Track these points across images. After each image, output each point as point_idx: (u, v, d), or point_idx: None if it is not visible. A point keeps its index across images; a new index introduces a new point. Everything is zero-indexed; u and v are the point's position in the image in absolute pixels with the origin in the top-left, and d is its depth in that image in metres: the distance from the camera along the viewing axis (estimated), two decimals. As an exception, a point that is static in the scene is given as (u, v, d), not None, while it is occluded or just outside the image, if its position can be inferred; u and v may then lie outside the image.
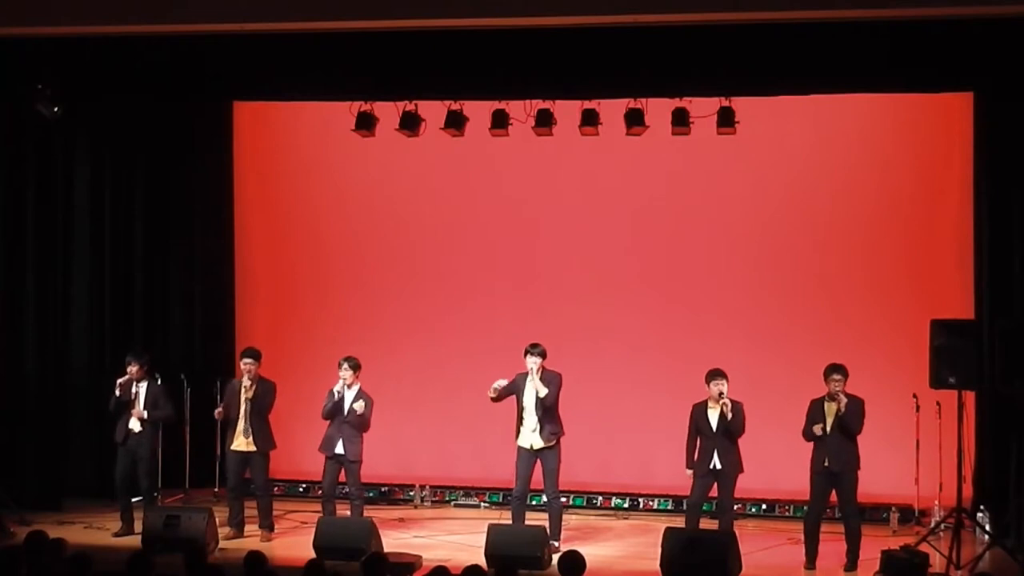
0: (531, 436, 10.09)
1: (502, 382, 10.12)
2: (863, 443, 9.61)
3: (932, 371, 9.93)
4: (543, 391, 9.99)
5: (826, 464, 9.50)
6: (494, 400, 10.19)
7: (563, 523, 10.50)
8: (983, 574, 8.98)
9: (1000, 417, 10.44)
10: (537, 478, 10.20)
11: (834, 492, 9.61)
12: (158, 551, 8.77)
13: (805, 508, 9.93)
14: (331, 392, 10.40)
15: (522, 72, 10.35)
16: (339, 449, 10.38)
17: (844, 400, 9.45)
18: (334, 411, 10.39)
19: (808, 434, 9.60)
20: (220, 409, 10.77)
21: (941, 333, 9.90)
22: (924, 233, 11.55)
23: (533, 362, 10.04)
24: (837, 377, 9.51)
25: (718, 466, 9.78)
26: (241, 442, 10.49)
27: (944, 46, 9.67)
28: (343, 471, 10.47)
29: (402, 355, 12.35)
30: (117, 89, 11.24)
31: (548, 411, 10.05)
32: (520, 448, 10.14)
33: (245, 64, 10.65)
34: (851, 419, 9.47)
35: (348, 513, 10.44)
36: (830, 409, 9.53)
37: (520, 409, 10.15)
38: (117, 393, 10.60)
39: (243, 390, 10.46)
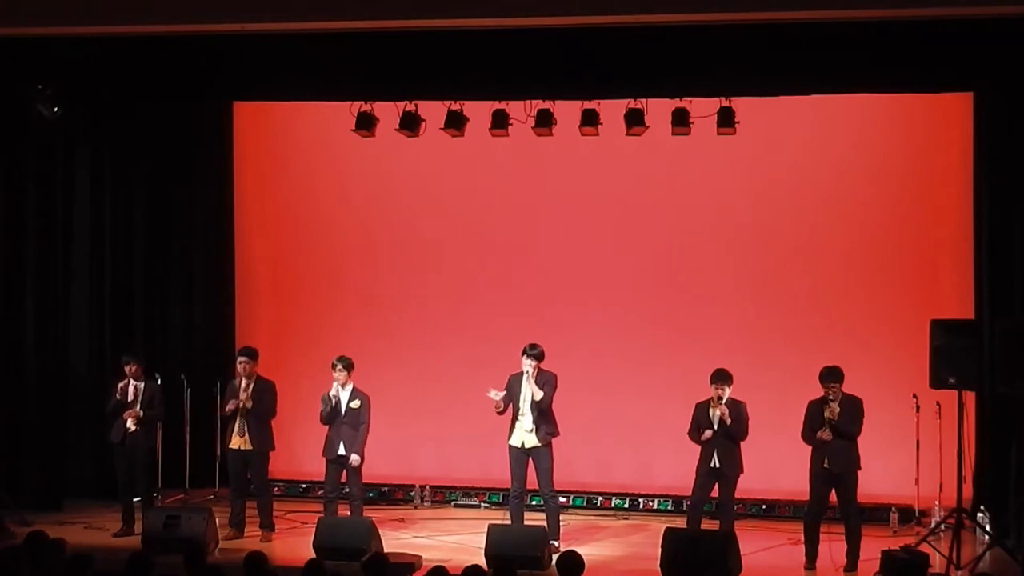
0: (525, 435, 10.11)
1: (497, 394, 10.13)
2: (863, 443, 9.61)
3: (932, 371, 9.93)
4: (539, 394, 10.01)
5: (826, 465, 9.50)
6: (502, 413, 10.21)
7: (563, 523, 10.52)
8: (983, 574, 8.98)
9: (1000, 417, 10.45)
10: (532, 478, 10.22)
11: (834, 492, 9.62)
12: (158, 551, 8.77)
13: (805, 508, 9.92)
14: (326, 397, 10.41)
15: (522, 72, 10.33)
16: (341, 451, 10.38)
17: (837, 410, 9.45)
18: (333, 415, 10.39)
19: (808, 438, 9.60)
20: (232, 402, 10.52)
21: (941, 333, 9.90)
22: (924, 233, 11.56)
23: (529, 364, 10.06)
24: (830, 384, 9.49)
25: (718, 465, 9.80)
26: (237, 440, 10.49)
27: (944, 46, 9.67)
28: (345, 472, 10.48)
29: (402, 355, 12.35)
30: (117, 89, 11.25)
31: (544, 412, 10.08)
32: (512, 447, 10.17)
33: (245, 64, 10.64)
34: (845, 425, 9.47)
35: (348, 513, 10.45)
36: (833, 410, 9.53)
37: (515, 410, 10.16)
38: (117, 397, 10.61)
39: (241, 389, 10.47)
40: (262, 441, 10.50)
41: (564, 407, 10.32)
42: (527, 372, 10.06)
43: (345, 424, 10.38)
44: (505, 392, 10.17)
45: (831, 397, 9.49)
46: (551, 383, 10.11)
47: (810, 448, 9.63)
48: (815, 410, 9.59)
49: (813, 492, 9.65)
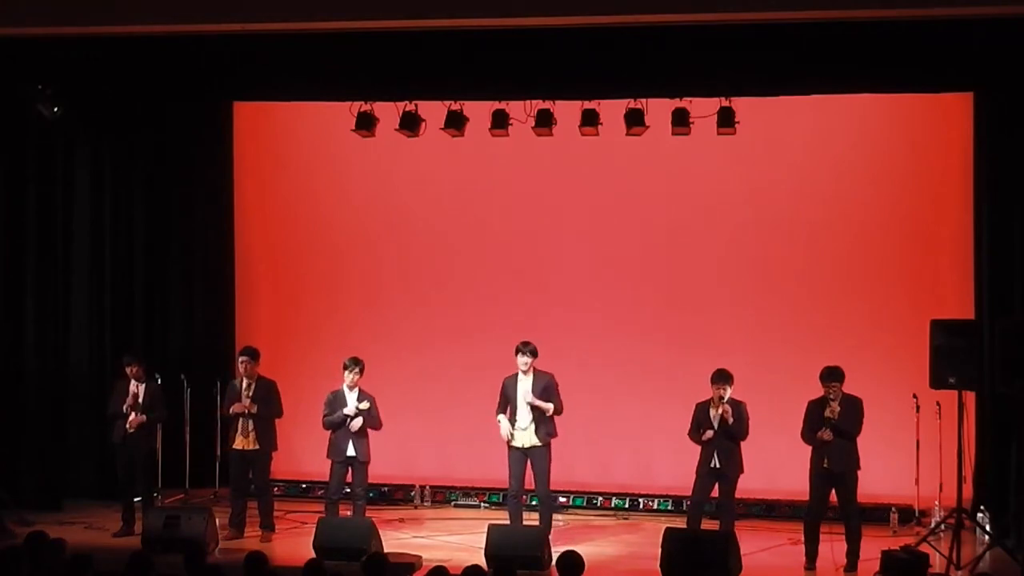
0: (522, 435, 10.13)
1: (505, 427, 10.16)
2: (863, 443, 9.61)
3: (932, 371, 9.93)
4: (550, 408, 10.05)
5: (826, 465, 9.51)
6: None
7: (564, 523, 10.57)
8: (983, 574, 8.98)
9: (1000, 417, 10.45)
10: (528, 478, 10.24)
11: (834, 492, 9.62)
12: (158, 551, 8.78)
13: (805, 508, 9.91)
14: (332, 403, 10.37)
15: (522, 72, 10.33)
16: (350, 452, 10.37)
17: (838, 409, 9.46)
18: (340, 424, 10.35)
19: (808, 438, 9.60)
20: (236, 404, 10.47)
21: (941, 333, 9.90)
22: (924, 233, 11.55)
23: (524, 361, 10.09)
24: (831, 383, 9.50)
25: (718, 466, 9.80)
26: (241, 441, 10.48)
27: (944, 46, 9.67)
28: (350, 473, 10.45)
29: (402, 355, 12.35)
30: (117, 89, 11.25)
31: (544, 413, 10.10)
32: (511, 447, 10.18)
33: (245, 64, 10.64)
34: (846, 424, 9.48)
35: (350, 513, 10.44)
36: (834, 409, 9.54)
37: (512, 411, 10.18)
38: (124, 410, 10.58)
39: (243, 389, 10.46)
40: (266, 441, 10.49)
41: (564, 407, 10.31)
42: (523, 371, 10.06)
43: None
44: (500, 401, 10.22)
45: (831, 396, 9.50)
46: (552, 388, 10.13)
47: (810, 448, 9.63)
48: (815, 410, 9.60)
49: (813, 492, 9.65)
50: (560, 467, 10.37)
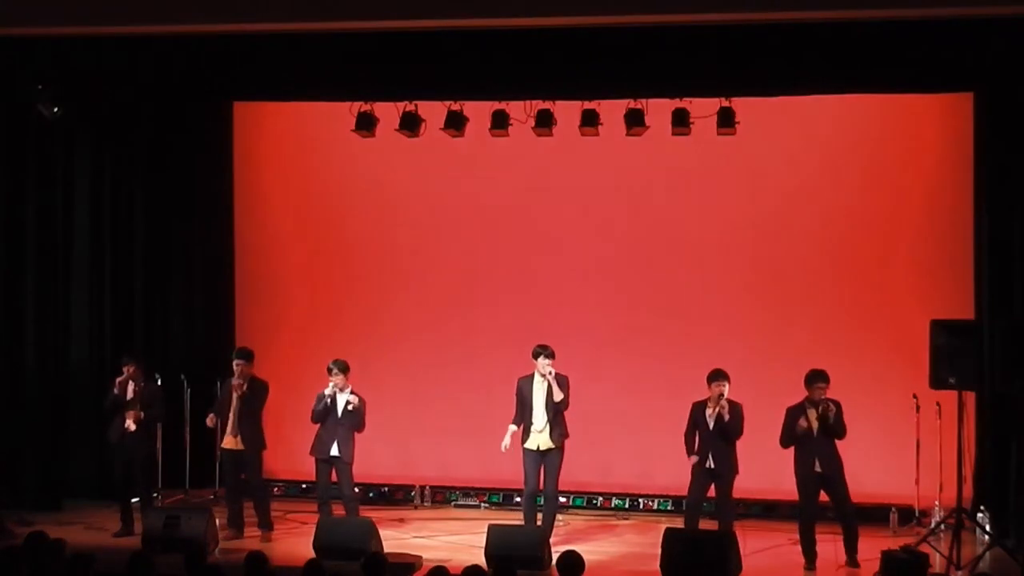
0: (538, 437, 10.15)
1: (507, 440, 10.19)
2: (863, 443, 9.65)
3: (932, 371, 9.93)
4: (559, 395, 10.03)
5: (817, 468, 9.57)
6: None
7: (564, 523, 10.53)
8: (983, 574, 8.99)
9: (1000, 417, 10.45)
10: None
11: (824, 494, 9.65)
12: (158, 551, 8.78)
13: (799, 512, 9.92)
14: (321, 396, 10.39)
15: (522, 72, 10.34)
16: (334, 451, 10.36)
17: (833, 409, 9.48)
18: (326, 414, 10.36)
19: (788, 441, 9.63)
20: (211, 416, 10.64)
21: (941, 333, 9.91)
22: (924, 233, 11.54)
23: (546, 363, 10.08)
24: (818, 385, 9.56)
25: (712, 466, 9.82)
26: (230, 441, 10.49)
27: (944, 46, 9.67)
28: (334, 472, 10.45)
29: (402, 355, 12.35)
30: (117, 89, 11.25)
31: (559, 414, 10.10)
32: (527, 450, 10.19)
33: (245, 64, 10.65)
34: (837, 425, 9.53)
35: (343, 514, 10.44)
36: (811, 416, 9.56)
37: (528, 412, 10.17)
38: (115, 392, 10.59)
39: (234, 390, 10.46)
40: (254, 442, 10.49)
41: (568, 406, 10.32)
42: (548, 372, 10.09)
43: (340, 425, 10.36)
44: (516, 408, 10.23)
45: (821, 396, 9.54)
46: (566, 385, 10.17)
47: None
48: (798, 414, 9.64)
49: (804, 495, 9.70)
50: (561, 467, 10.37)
